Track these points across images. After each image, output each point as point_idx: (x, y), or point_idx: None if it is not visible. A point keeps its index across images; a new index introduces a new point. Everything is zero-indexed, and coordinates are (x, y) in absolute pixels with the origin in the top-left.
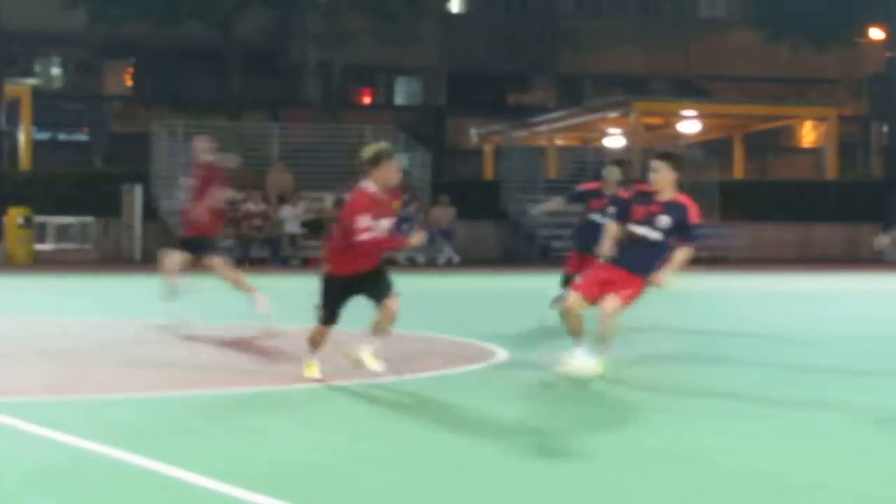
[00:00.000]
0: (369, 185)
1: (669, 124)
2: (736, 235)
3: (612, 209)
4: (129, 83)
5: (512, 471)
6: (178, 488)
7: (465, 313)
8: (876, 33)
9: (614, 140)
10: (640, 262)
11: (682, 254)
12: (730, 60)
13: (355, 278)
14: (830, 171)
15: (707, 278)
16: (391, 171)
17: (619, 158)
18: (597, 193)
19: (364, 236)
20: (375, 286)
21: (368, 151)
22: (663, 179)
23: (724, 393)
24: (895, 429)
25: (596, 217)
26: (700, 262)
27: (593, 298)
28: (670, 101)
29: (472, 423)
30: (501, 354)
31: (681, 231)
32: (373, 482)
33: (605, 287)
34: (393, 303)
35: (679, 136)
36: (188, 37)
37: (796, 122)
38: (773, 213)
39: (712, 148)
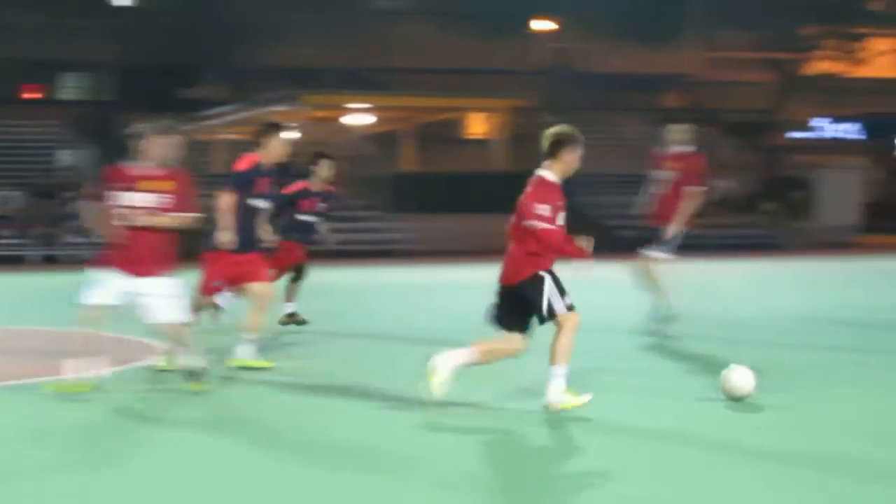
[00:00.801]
0: (548, 174)
1: (340, 117)
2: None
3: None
4: None
5: (198, 463)
6: None
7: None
8: (546, 25)
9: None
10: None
11: None
12: (402, 52)
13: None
14: (501, 163)
15: (375, 271)
16: (574, 158)
17: (323, 151)
18: (304, 194)
19: (543, 225)
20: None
21: (547, 135)
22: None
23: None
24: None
25: (308, 217)
26: (370, 255)
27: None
28: (340, 93)
29: (153, 417)
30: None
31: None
32: (55, 486)
33: (241, 279)
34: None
35: (349, 128)
36: None
37: (468, 113)
38: (445, 204)
39: (384, 140)
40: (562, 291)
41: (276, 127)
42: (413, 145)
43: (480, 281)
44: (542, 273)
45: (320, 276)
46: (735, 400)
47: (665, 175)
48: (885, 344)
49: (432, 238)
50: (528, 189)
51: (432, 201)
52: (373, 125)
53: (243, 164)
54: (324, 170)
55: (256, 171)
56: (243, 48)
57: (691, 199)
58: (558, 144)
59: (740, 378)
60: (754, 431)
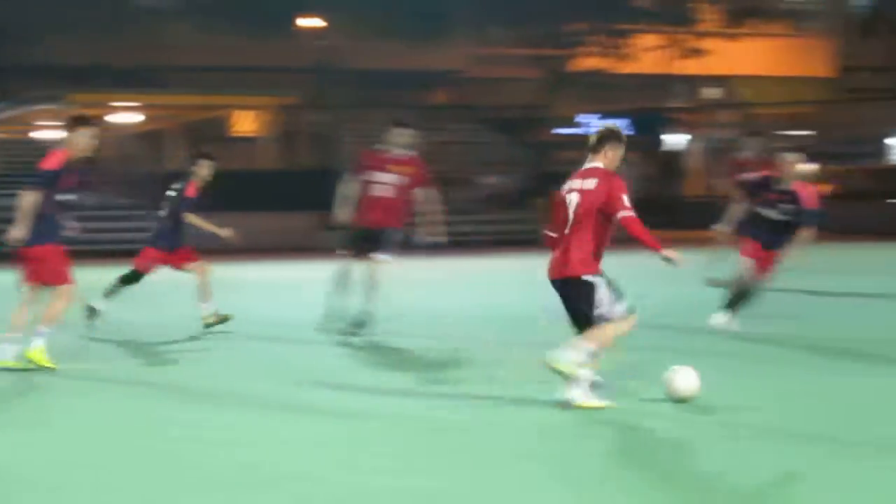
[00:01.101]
0: (599, 165)
1: (107, 115)
2: None
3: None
4: None
5: None
6: None
7: None
8: (313, 22)
9: (52, 133)
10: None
11: None
12: (170, 50)
13: None
14: (269, 161)
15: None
16: (617, 156)
17: (204, 151)
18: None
19: (631, 213)
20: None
21: (595, 132)
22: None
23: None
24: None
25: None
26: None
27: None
28: (108, 92)
29: None
30: None
31: None
32: None
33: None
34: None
35: (119, 127)
36: None
37: (236, 111)
38: (213, 203)
39: (152, 138)
40: (618, 294)
41: (79, 120)
42: (181, 143)
43: (243, 279)
44: (592, 279)
45: (92, 276)
46: (680, 402)
47: (387, 178)
48: (651, 341)
49: (200, 237)
50: (602, 182)
51: (200, 199)
52: (140, 124)
53: (51, 161)
54: (204, 170)
55: (64, 168)
56: (7, 47)
57: (427, 202)
58: (604, 140)
59: (684, 379)
60: (539, 433)
